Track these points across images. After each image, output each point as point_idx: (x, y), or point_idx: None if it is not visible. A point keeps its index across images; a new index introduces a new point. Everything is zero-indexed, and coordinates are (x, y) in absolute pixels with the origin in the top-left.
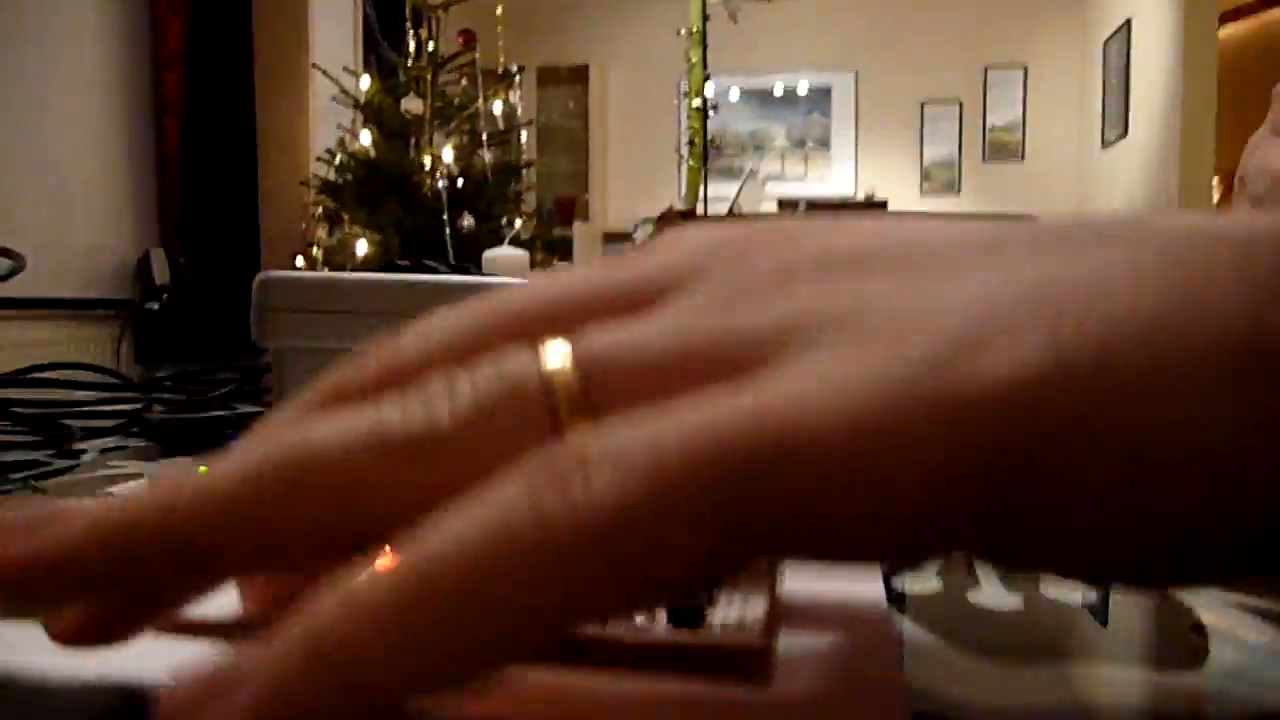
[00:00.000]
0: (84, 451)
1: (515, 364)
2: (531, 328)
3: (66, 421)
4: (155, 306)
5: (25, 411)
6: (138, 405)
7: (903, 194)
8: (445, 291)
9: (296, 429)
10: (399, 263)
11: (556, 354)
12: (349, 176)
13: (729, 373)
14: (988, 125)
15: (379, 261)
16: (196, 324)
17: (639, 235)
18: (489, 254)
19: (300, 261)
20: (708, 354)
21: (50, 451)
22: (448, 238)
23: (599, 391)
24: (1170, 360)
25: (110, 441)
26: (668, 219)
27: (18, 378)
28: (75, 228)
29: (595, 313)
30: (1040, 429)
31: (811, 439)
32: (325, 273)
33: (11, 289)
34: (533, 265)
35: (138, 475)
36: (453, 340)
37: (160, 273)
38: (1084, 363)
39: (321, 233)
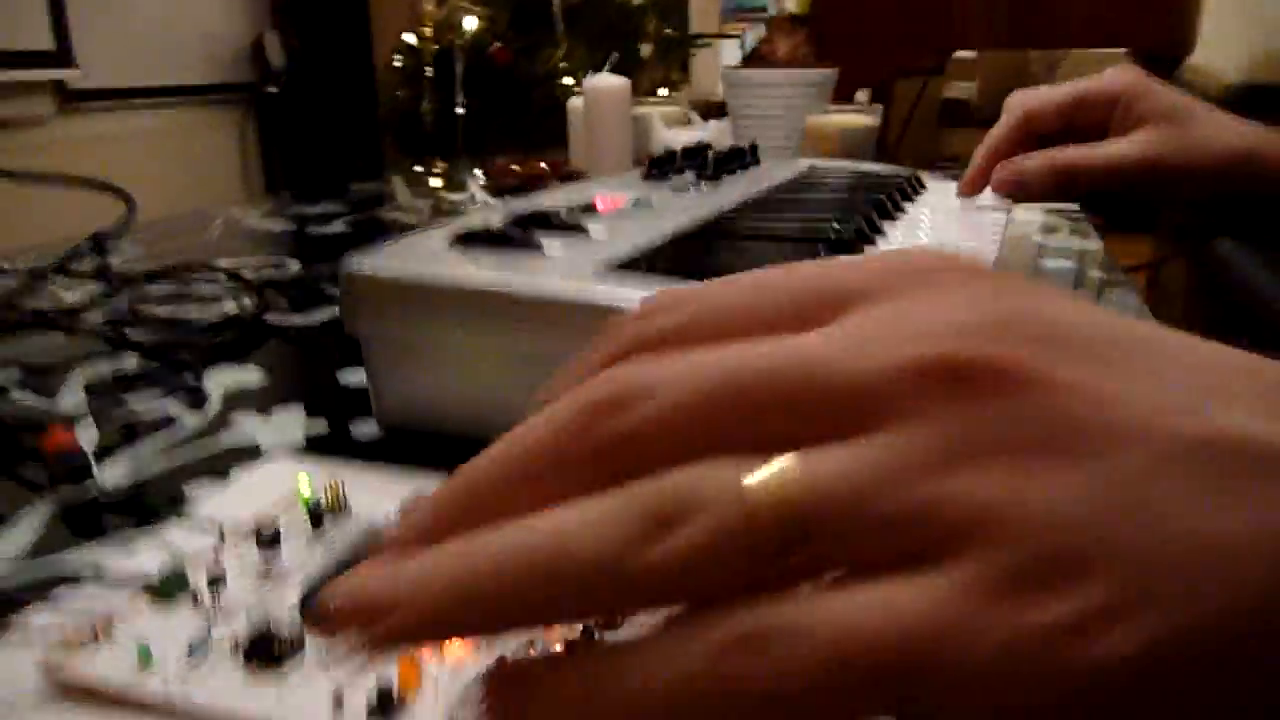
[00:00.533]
0: (206, 398)
1: (725, 494)
2: (736, 426)
3: (187, 355)
4: (274, 90)
5: (146, 342)
6: (254, 309)
7: None
8: (522, 305)
9: (523, 527)
10: (488, 230)
11: (775, 478)
12: None
13: (913, 552)
14: None
15: (487, 40)
16: (315, 105)
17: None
18: (589, 82)
19: (411, 39)
20: (901, 523)
21: (175, 392)
22: (555, 9)
23: (807, 529)
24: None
25: (229, 376)
26: (778, 27)
27: (151, 277)
28: (190, 14)
29: (803, 413)
30: (1137, 701)
31: (959, 674)
32: (407, 268)
33: (137, 78)
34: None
35: (254, 450)
36: (668, 424)
37: (275, 55)
38: (1184, 649)
39: (430, 7)
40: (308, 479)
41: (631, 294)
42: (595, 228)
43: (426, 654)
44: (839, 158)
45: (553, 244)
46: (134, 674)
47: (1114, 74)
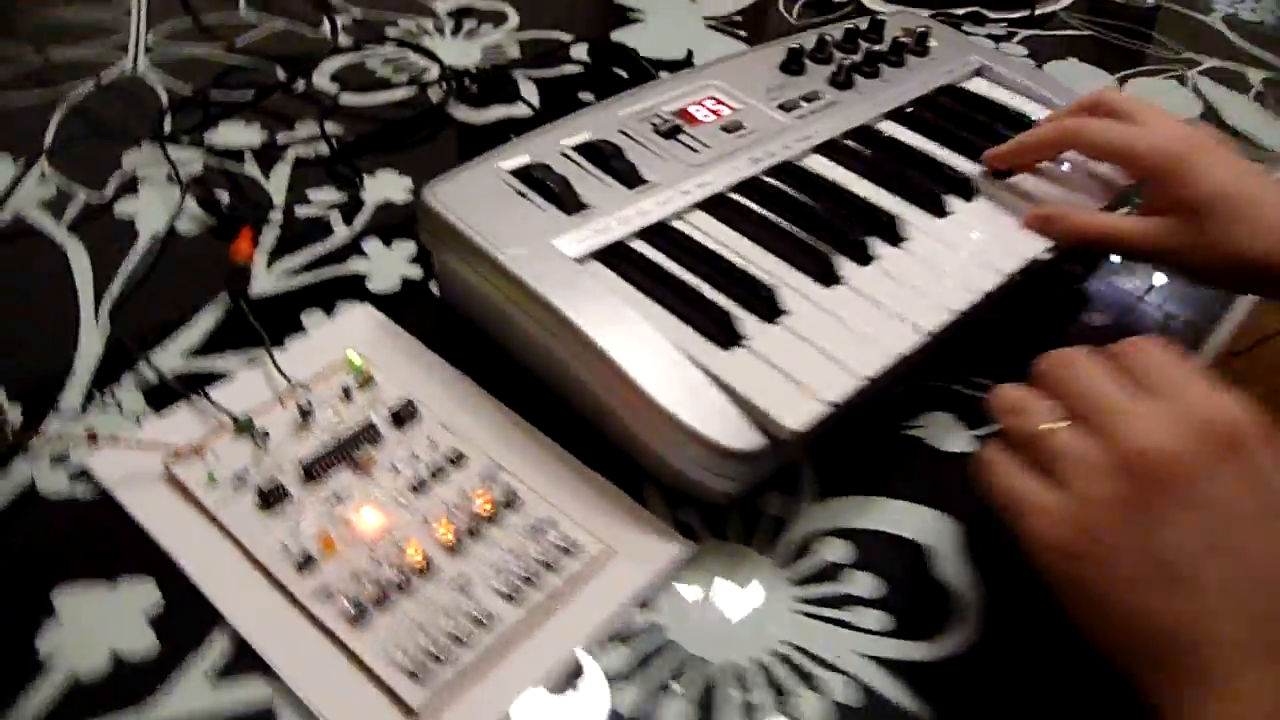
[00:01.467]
0: (361, 207)
1: (1045, 423)
2: (1073, 404)
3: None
4: None
5: (337, 134)
6: (441, 98)
7: None
8: (508, 278)
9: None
10: (540, 173)
11: (1060, 428)
12: None
13: (1080, 474)
14: None
15: None
16: None
17: None
18: None
19: None
20: (1093, 463)
21: (340, 199)
22: None
23: (1055, 450)
24: None
25: (385, 185)
26: None
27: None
28: None
29: (1086, 418)
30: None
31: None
32: (455, 210)
33: None
34: None
35: (362, 283)
36: (1056, 391)
37: None
38: None
39: None
40: (356, 354)
41: (582, 318)
42: (648, 171)
43: (335, 538)
44: None
45: (592, 193)
46: (201, 488)
47: (1164, 140)
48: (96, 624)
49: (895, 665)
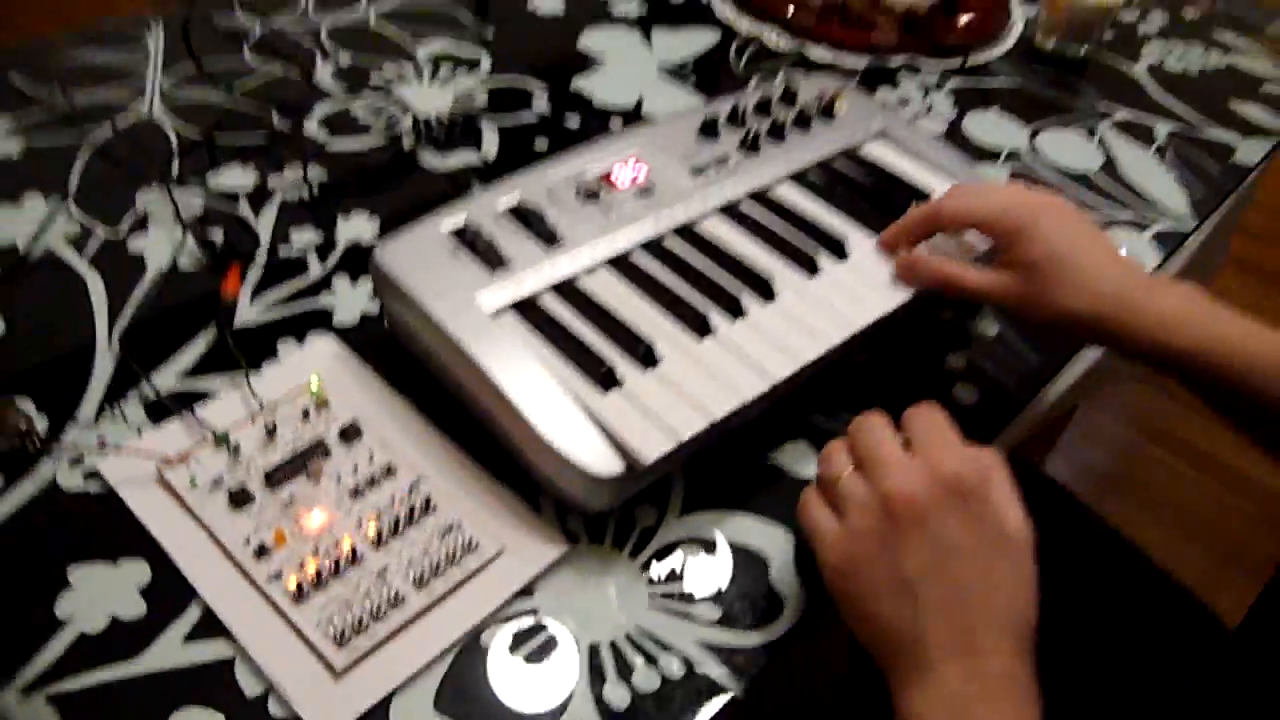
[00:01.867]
0: (334, 248)
1: (846, 471)
2: (859, 460)
3: (343, 185)
4: None
5: (316, 180)
6: (411, 147)
7: None
8: (438, 330)
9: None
10: (472, 234)
11: (850, 474)
12: None
13: (857, 511)
14: None
15: None
16: None
17: None
18: None
19: None
20: (864, 499)
21: (318, 239)
22: None
23: (841, 492)
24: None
25: (355, 227)
26: None
27: None
28: None
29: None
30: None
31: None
32: (399, 267)
33: None
34: None
35: (328, 318)
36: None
37: None
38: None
39: None
40: (317, 379)
41: (491, 363)
42: (566, 232)
43: (287, 533)
44: (1070, 31)
45: (515, 251)
46: (185, 489)
47: (1013, 206)
48: (100, 593)
49: (719, 649)
